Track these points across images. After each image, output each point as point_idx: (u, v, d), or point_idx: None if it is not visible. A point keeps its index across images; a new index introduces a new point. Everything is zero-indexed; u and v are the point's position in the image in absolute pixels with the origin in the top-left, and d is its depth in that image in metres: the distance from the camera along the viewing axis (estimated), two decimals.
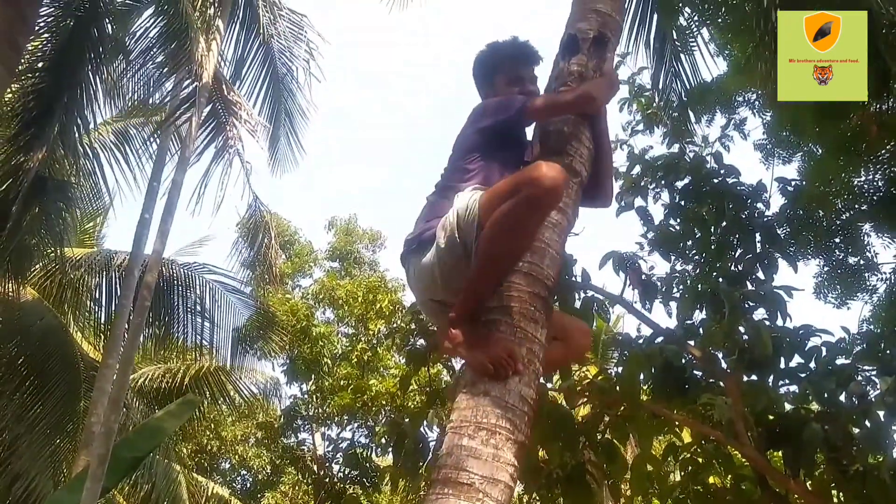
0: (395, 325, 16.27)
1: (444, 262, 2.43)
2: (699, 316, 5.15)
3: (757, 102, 9.28)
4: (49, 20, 7.21)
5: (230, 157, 9.02)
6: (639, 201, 7.00)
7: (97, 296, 10.78)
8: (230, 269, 11.53)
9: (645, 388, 4.85)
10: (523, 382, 2.21)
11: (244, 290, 12.19)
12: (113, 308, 10.33)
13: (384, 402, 16.09)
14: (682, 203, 6.82)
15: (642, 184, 7.84)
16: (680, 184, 7.02)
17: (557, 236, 2.54)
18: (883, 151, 7.97)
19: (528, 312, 2.35)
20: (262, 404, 16.50)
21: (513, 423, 2.14)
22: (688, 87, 7.06)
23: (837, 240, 8.58)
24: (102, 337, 11.09)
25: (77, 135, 7.52)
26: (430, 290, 2.56)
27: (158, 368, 12.39)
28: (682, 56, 6.65)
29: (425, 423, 5.17)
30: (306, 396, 17.79)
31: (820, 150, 8.61)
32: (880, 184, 8.19)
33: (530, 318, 2.35)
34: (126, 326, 8.35)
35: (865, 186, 8.31)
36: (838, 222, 8.37)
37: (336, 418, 17.35)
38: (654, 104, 9.31)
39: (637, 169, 8.10)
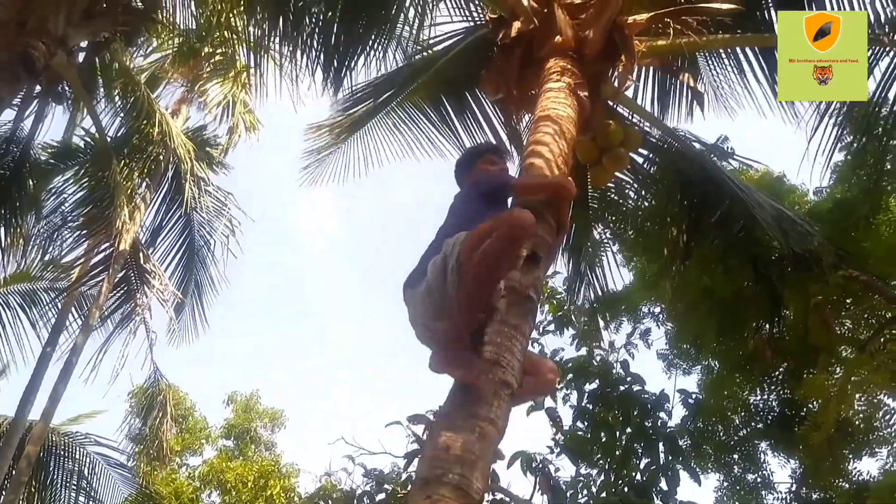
0: None
1: (431, 287, 2.85)
2: None
3: (660, 315, 9.81)
4: None
5: (135, 327, 8.72)
6: (548, 401, 7.12)
7: None
8: (118, 442, 10.74)
9: None
10: None
11: (128, 465, 11.31)
12: None
13: None
14: (591, 407, 6.96)
15: None
16: (589, 387, 7.21)
17: (488, 447, 2.53)
18: (776, 373, 8.42)
19: None
20: None
21: None
22: (599, 293, 7.41)
23: (736, 456, 8.81)
24: None
25: None
26: (423, 313, 2.95)
27: None
28: (595, 267, 7.02)
29: None
30: None
31: (718, 366, 9.05)
32: (774, 404, 8.58)
33: None
34: None
35: (761, 406, 8.68)
36: (736, 438, 8.63)
37: None
38: (566, 307, 9.68)
39: None
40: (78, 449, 10.06)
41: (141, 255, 8.66)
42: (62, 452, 9.78)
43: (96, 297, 8.24)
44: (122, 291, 8.68)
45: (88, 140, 8.50)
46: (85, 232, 8.15)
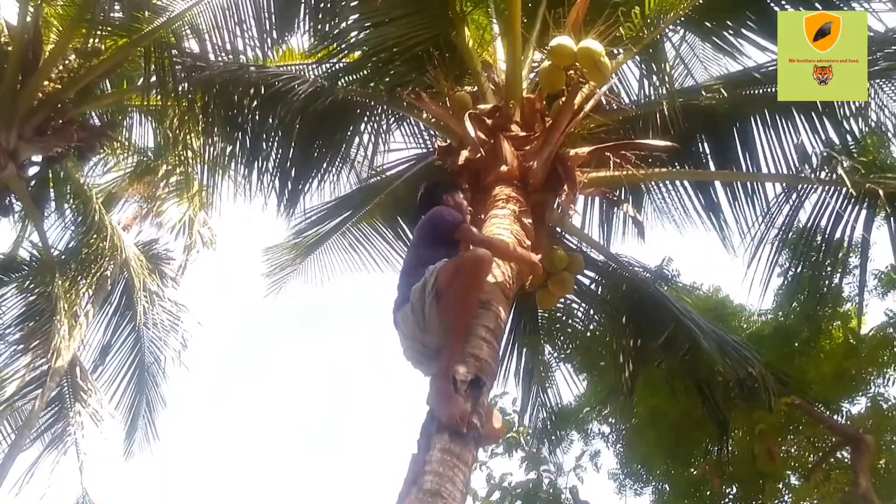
0: None
1: (415, 305, 3.31)
2: None
3: (610, 435, 9.70)
4: None
5: (66, 447, 8.27)
6: None
7: None
8: None
9: None
10: None
11: None
12: None
13: None
14: None
15: None
16: None
17: None
18: (725, 501, 8.33)
19: None
20: None
21: None
22: (549, 414, 7.34)
23: None
24: None
25: None
26: (410, 328, 3.37)
27: None
28: (545, 388, 7.00)
29: None
30: None
31: (669, 489, 8.91)
32: None
33: None
34: None
35: None
36: None
37: None
38: (516, 429, 9.55)
39: (496, 495, 8.06)
40: None
41: (78, 371, 8.34)
42: None
43: (28, 414, 7.88)
44: (54, 410, 8.30)
45: (34, 253, 8.36)
46: (22, 346, 7.88)
